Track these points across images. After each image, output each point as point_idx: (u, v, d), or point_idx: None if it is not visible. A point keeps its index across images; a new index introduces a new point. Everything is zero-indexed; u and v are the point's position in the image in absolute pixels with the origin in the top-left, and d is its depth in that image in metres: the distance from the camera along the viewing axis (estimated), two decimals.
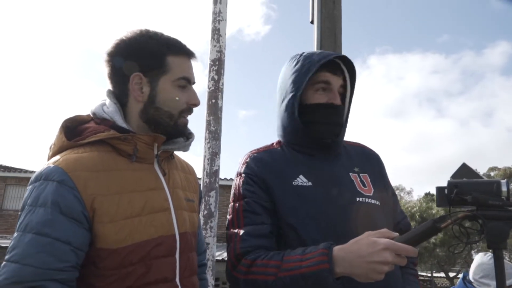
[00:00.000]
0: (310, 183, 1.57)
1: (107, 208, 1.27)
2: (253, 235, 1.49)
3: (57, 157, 1.33)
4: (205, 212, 2.51)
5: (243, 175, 1.62)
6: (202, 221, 2.50)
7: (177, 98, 1.43)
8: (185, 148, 1.53)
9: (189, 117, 1.50)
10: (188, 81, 1.46)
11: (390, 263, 1.22)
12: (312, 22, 3.87)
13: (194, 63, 1.51)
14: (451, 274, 27.71)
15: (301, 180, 1.57)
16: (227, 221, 1.62)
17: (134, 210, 1.32)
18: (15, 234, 1.22)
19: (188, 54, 1.48)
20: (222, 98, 2.66)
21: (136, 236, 1.30)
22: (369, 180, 1.69)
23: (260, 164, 1.62)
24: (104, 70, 1.47)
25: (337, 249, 1.31)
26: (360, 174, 1.69)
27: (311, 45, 3.97)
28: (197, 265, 1.55)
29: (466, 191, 1.28)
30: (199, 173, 2.63)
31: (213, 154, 2.58)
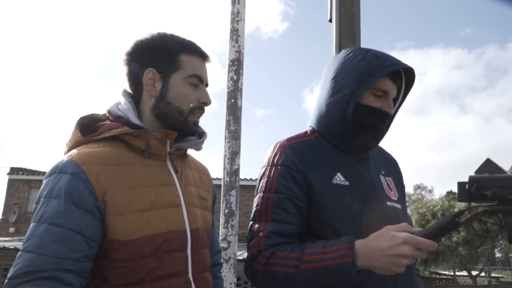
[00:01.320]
0: (347, 183, 1.56)
1: (118, 201, 1.31)
2: (279, 234, 1.48)
3: (72, 151, 1.38)
4: (226, 211, 2.53)
5: (280, 167, 1.55)
6: (223, 220, 2.52)
7: (188, 95, 1.47)
8: (198, 146, 1.56)
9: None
10: (200, 80, 1.50)
11: (409, 256, 1.26)
12: (330, 20, 3.86)
13: (208, 65, 1.55)
14: (474, 273, 27.34)
15: (339, 178, 1.56)
16: (253, 211, 1.58)
17: (145, 204, 1.35)
18: (31, 225, 1.25)
19: (201, 55, 1.53)
20: (241, 98, 2.68)
21: (146, 230, 1.33)
22: (393, 183, 1.71)
23: (301, 158, 1.56)
24: (123, 69, 1.53)
25: (358, 243, 1.35)
26: (386, 178, 1.70)
27: (330, 44, 3.97)
28: (209, 262, 1.57)
29: (487, 186, 1.28)
30: (220, 172, 2.68)
31: (233, 154, 2.61)
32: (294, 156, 1.56)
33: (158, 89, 1.46)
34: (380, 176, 1.68)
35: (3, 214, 21.49)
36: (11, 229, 20.87)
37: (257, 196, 1.59)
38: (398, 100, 1.71)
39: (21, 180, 21.97)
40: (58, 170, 1.31)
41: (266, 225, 1.50)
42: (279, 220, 1.49)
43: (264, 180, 1.58)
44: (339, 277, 1.33)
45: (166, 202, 1.40)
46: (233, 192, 2.55)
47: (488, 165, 1.37)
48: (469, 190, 1.30)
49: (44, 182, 1.33)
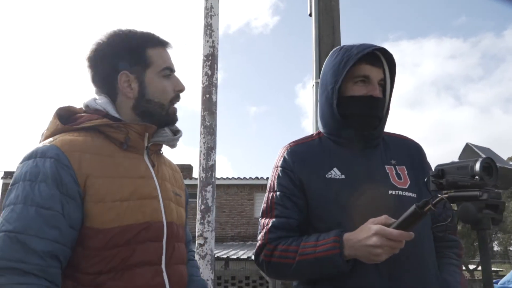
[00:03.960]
0: (343, 176, 1.64)
1: (98, 189, 1.32)
2: (280, 228, 1.64)
3: (52, 138, 1.38)
4: (202, 207, 2.54)
5: (279, 168, 1.73)
6: (199, 216, 2.55)
7: (166, 88, 1.50)
8: (173, 143, 1.59)
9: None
10: (171, 70, 1.53)
11: (379, 246, 1.38)
12: (310, 14, 3.89)
13: (170, 51, 1.58)
14: (471, 267, 27.43)
15: (335, 173, 1.65)
16: (261, 209, 1.76)
17: (124, 195, 1.36)
18: (13, 207, 1.23)
19: (164, 44, 1.55)
20: (216, 93, 2.69)
21: (123, 219, 1.34)
22: (406, 172, 1.71)
23: (296, 159, 1.71)
24: (86, 75, 1.53)
25: (346, 235, 1.49)
26: (397, 167, 1.71)
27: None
28: (185, 256, 1.59)
29: (448, 175, 1.30)
30: (195, 169, 2.67)
31: (208, 149, 2.61)
32: (289, 157, 1.73)
33: (136, 90, 1.48)
34: (387, 166, 1.70)
35: None
36: None
37: (265, 195, 1.77)
38: (388, 83, 1.75)
39: None
40: (40, 154, 1.30)
41: (270, 220, 1.68)
42: (279, 215, 1.66)
43: (269, 182, 1.78)
44: (329, 266, 1.50)
45: (144, 193, 1.42)
46: (209, 188, 2.56)
47: (467, 150, 1.39)
48: (430, 180, 1.34)
49: (20, 166, 1.31)
